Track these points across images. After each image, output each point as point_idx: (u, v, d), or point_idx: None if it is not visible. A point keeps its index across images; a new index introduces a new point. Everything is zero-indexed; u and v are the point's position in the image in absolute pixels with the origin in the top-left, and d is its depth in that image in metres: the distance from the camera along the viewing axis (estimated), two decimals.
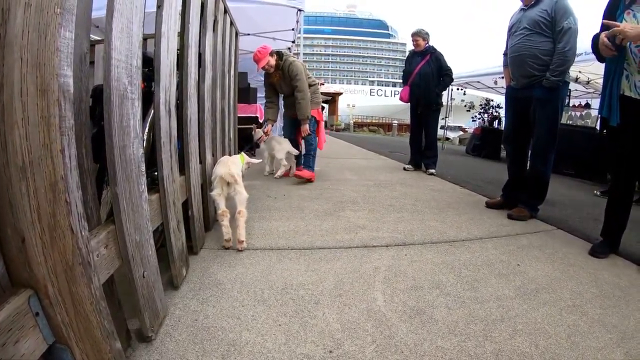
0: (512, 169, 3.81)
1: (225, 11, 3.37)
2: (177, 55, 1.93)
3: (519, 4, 3.53)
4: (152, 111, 1.80)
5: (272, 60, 4.50)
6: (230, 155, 3.29)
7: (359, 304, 1.81)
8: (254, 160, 3.17)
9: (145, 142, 1.86)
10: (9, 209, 0.79)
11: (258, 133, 5.06)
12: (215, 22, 2.91)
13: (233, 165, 2.59)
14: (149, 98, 1.79)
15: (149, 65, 1.78)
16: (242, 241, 2.40)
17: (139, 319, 1.42)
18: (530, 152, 3.60)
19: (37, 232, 0.82)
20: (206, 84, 2.66)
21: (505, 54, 3.73)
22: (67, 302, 0.90)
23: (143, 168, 1.41)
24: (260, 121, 7.30)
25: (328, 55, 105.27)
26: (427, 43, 5.83)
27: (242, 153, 3.07)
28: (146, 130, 1.94)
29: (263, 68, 4.52)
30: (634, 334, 1.66)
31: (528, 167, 3.63)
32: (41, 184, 0.82)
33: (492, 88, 12.03)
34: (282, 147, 4.85)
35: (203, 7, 2.49)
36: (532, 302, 1.91)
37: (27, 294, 0.82)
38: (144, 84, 1.62)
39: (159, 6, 1.66)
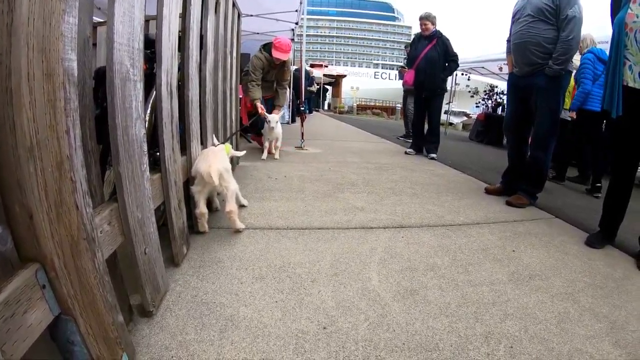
0: (512, 156, 3.83)
1: None
2: (179, 37, 1.95)
3: None
4: (154, 93, 1.83)
5: None
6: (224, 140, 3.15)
7: (354, 283, 1.87)
8: (238, 153, 3.12)
9: (147, 123, 1.89)
10: (17, 188, 0.82)
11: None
12: (217, 3, 2.91)
13: (215, 160, 2.26)
14: (150, 80, 1.82)
15: (151, 47, 1.80)
16: (238, 230, 2.41)
17: (140, 294, 1.48)
18: (530, 140, 3.62)
19: (45, 208, 0.86)
20: (208, 66, 2.68)
21: (508, 41, 3.70)
22: (72, 275, 0.94)
23: (145, 148, 1.45)
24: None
25: (332, 37, 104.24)
26: (435, 27, 5.79)
27: (227, 144, 2.93)
28: (148, 111, 1.97)
29: (277, 59, 4.96)
30: (624, 325, 1.69)
31: (528, 155, 3.65)
32: (48, 163, 0.85)
33: (496, 74, 11.92)
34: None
35: None
36: (524, 288, 1.95)
37: (35, 268, 0.86)
38: (146, 66, 1.64)
39: None
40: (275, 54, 4.88)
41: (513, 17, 3.58)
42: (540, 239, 2.67)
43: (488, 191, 3.91)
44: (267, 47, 5.04)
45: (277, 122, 4.85)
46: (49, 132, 0.85)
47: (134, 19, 1.32)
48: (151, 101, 1.98)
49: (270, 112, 5.05)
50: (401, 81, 8.37)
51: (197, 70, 2.32)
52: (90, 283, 1.01)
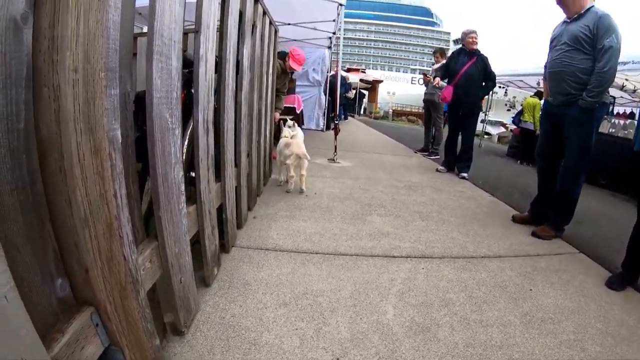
0: (542, 184, 3.74)
1: (265, 13, 3.41)
2: (216, 62, 2.02)
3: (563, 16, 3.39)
4: (192, 123, 1.93)
5: None
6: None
7: (370, 316, 1.97)
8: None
9: (184, 154, 1.99)
10: (74, 249, 0.97)
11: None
12: (253, 27, 2.98)
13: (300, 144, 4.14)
14: (189, 104, 1.89)
15: (189, 67, 1.85)
16: (302, 190, 4.12)
17: (174, 317, 1.64)
18: (560, 169, 3.52)
19: (99, 265, 1.00)
20: (244, 92, 2.79)
21: (545, 67, 3.60)
22: (120, 316, 1.10)
23: (183, 188, 1.59)
24: (298, 112, 7.43)
25: (370, 40, 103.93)
26: None
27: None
28: (186, 143, 2.08)
29: (293, 69, 5.40)
30: None
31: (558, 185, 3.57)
32: (100, 228, 1.00)
33: (534, 88, 11.68)
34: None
35: (241, 15, 2.53)
36: (534, 332, 1.96)
37: (90, 311, 1.02)
38: (183, 91, 1.71)
39: (197, 31, 1.76)
40: (293, 64, 5.26)
41: (550, 43, 3.49)
42: (560, 277, 2.63)
43: (515, 219, 3.85)
44: (280, 54, 5.26)
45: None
46: (100, 201, 0.99)
47: (171, 70, 1.41)
48: (189, 127, 2.07)
49: None
50: (424, 88, 8.13)
51: (233, 99, 2.45)
52: (134, 318, 1.17)
